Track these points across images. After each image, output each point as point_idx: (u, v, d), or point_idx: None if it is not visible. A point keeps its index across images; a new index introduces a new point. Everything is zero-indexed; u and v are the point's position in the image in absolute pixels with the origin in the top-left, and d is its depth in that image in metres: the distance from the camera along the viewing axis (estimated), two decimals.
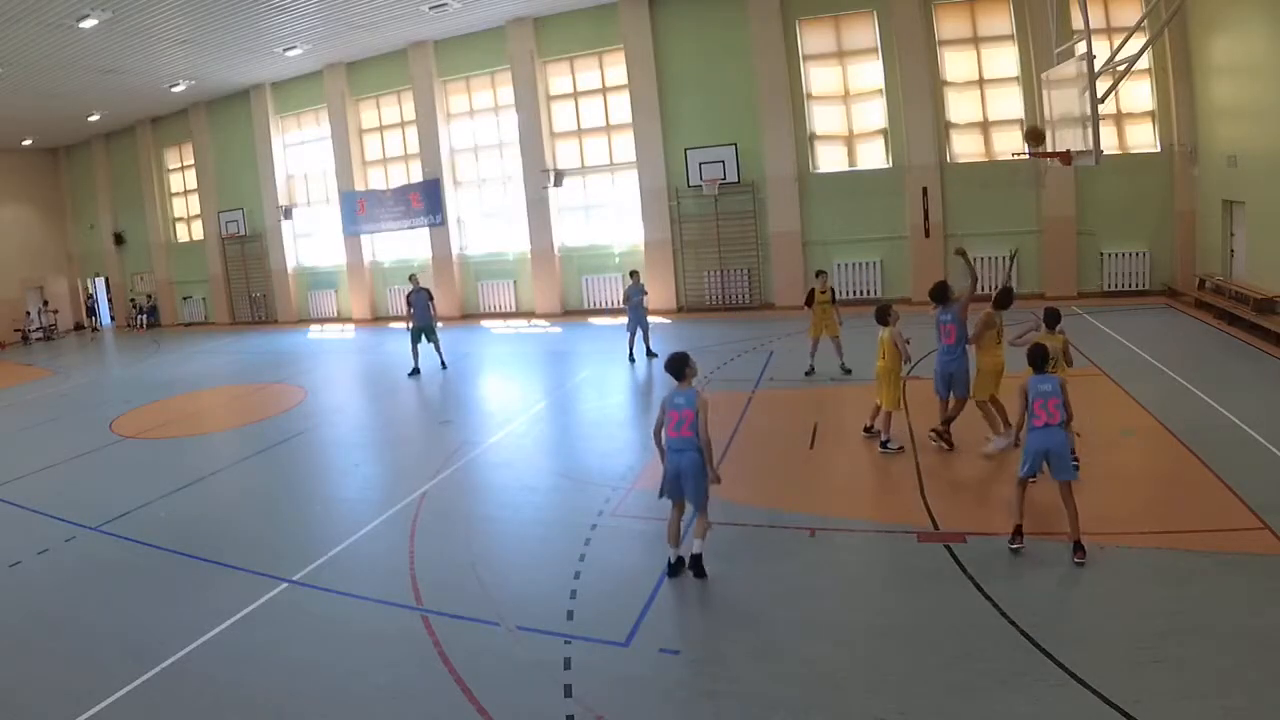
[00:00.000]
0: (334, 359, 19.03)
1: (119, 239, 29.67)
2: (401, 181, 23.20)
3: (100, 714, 4.89)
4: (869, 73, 18.22)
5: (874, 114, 18.32)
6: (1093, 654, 4.64)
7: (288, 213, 25.31)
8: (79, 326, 30.85)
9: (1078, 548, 5.81)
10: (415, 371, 14.90)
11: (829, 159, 18.86)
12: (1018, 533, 6.06)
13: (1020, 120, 17.21)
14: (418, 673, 5.13)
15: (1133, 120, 16.79)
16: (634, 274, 15.04)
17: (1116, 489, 7.16)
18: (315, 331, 23.58)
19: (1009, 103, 17.39)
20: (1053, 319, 7.64)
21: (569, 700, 4.69)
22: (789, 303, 18.98)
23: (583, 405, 12.27)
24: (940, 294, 8.45)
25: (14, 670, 5.57)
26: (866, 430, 9.05)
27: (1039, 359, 6.25)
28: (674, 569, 6.11)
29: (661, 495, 6.20)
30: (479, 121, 22.23)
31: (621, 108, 20.16)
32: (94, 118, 25.40)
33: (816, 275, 12.50)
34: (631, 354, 14.38)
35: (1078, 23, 11.93)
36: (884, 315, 8.58)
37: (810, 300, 11.89)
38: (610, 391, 12.94)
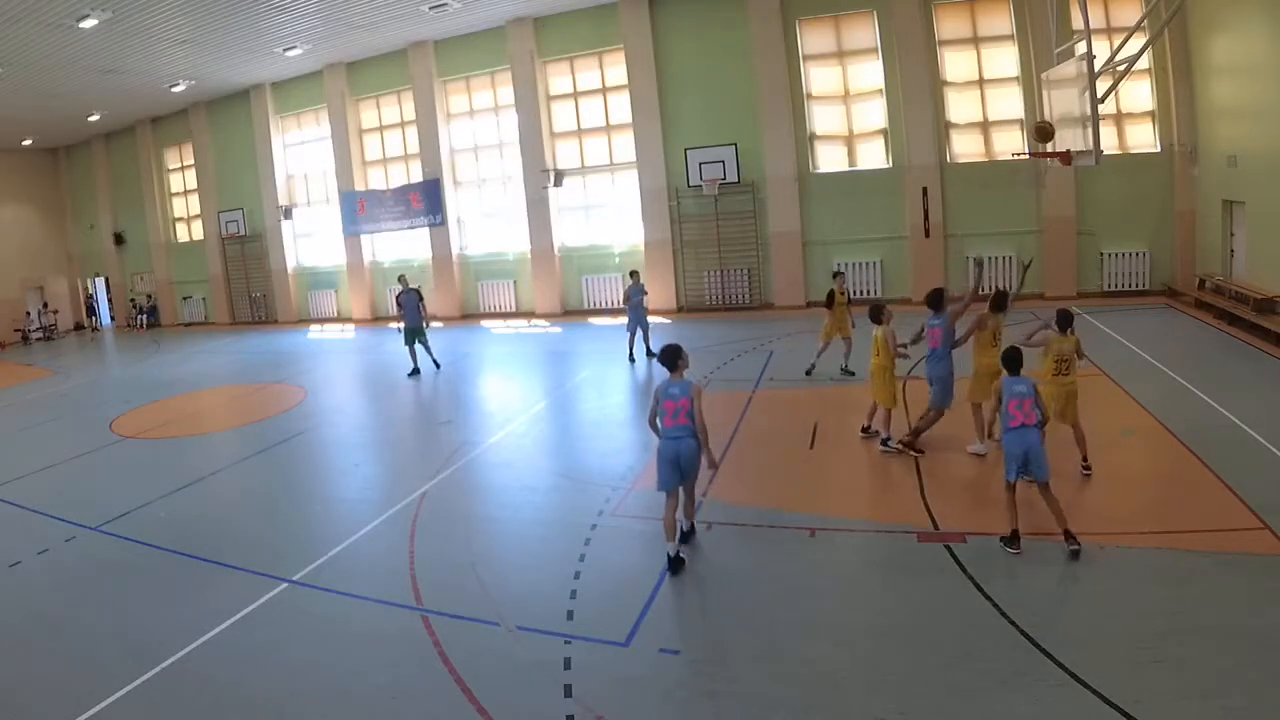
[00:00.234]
0: (334, 359, 19.04)
1: (119, 239, 29.68)
2: (401, 181, 23.20)
3: (100, 714, 4.89)
4: (869, 73, 18.22)
5: (874, 114, 18.33)
6: (1093, 654, 4.64)
7: (288, 213, 25.32)
8: (79, 326, 30.86)
9: (1069, 536, 5.92)
10: (415, 371, 14.90)
11: (829, 159, 18.86)
12: (1015, 537, 6.07)
13: (1020, 120, 17.23)
14: (418, 673, 5.13)
15: (1133, 120, 16.80)
16: (634, 274, 15.04)
17: (1116, 489, 7.16)
18: (315, 331, 23.58)
19: (1009, 103, 17.39)
20: (1065, 321, 7.56)
21: (569, 700, 4.70)
22: (789, 303, 19.01)
23: (583, 405, 12.27)
24: (934, 301, 8.45)
25: (14, 670, 5.57)
26: (864, 431, 9.08)
27: (1013, 361, 6.36)
28: (673, 564, 6.18)
29: (661, 488, 6.30)
30: (479, 121, 22.23)
31: (621, 108, 20.16)
32: (94, 118, 25.41)
33: (834, 276, 12.36)
34: (631, 354, 14.39)
35: (1078, 23, 11.93)
36: (877, 314, 8.69)
37: (831, 301, 11.63)
38: (610, 391, 12.94)
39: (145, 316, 28.96)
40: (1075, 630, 4.94)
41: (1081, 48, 10.45)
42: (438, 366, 15.08)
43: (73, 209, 31.06)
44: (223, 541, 7.61)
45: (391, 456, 10.84)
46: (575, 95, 20.87)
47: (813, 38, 18.51)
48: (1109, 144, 15.56)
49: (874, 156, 18.48)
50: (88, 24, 15.77)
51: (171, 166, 28.44)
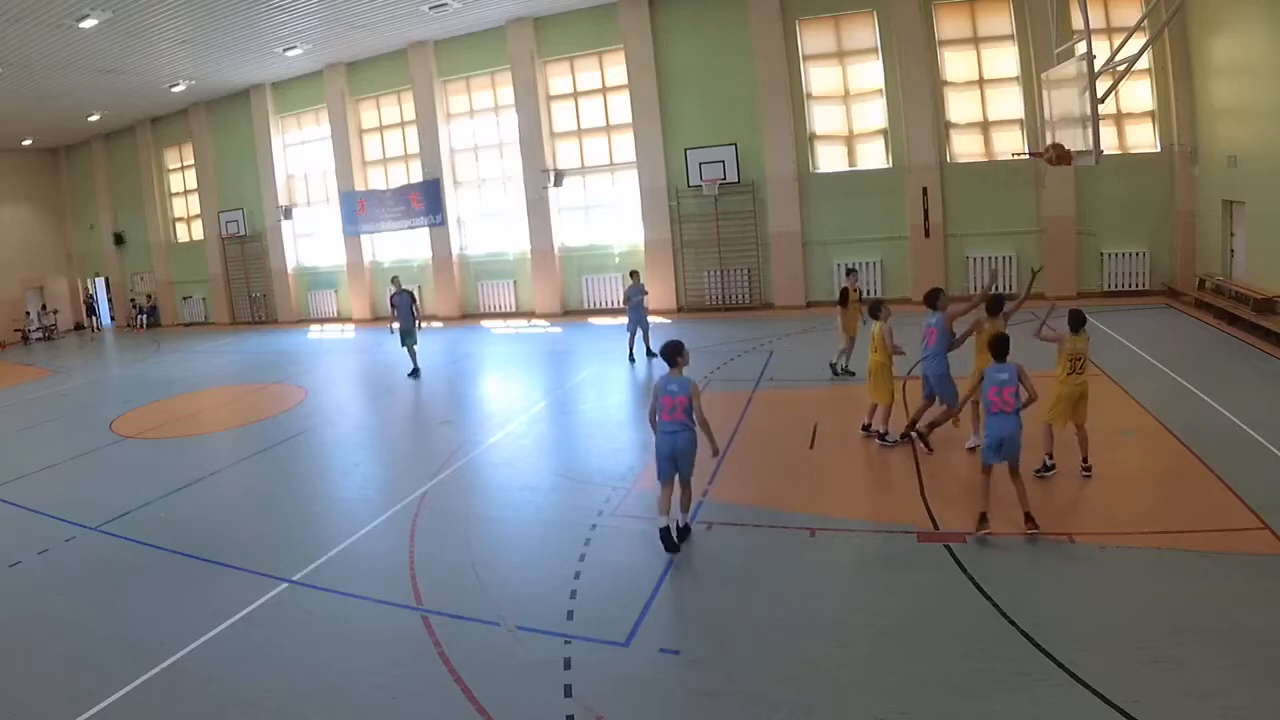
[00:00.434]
0: (334, 359, 19.03)
1: (119, 239, 29.69)
2: (401, 181, 23.21)
3: (100, 714, 4.89)
4: (869, 73, 18.22)
5: (874, 114, 18.33)
6: (1093, 654, 4.64)
7: (288, 213, 25.33)
8: (79, 326, 30.85)
9: (1029, 519, 6.20)
10: (414, 372, 14.89)
11: (829, 159, 18.87)
12: (984, 518, 6.30)
13: (1020, 120, 17.24)
14: (418, 673, 5.13)
15: (1133, 120, 16.80)
16: (634, 274, 15.05)
17: (1116, 489, 7.16)
18: (315, 331, 23.58)
19: (1009, 103, 17.39)
20: (1078, 322, 7.51)
21: (569, 700, 4.69)
22: (789, 303, 19.02)
23: (583, 405, 12.26)
24: (931, 299, 8.46)
25: (14, 670, 5.57)
26: (864, 429, 9.10)
27: (999, 348, 6.51)
28: (665, 537, 6.47)
29: (660, 478, 6.54)
30: (479, 121, 22.24)
31: (621, 108, 20.17)
32: (94, 118, 25.42)
33: (848, 274, 12.33)
34: (631, 354, 14.39)
35: (1078, 23, 11.92)
36: (875, 310, 8.82)
37: (845, 300, 11.63)
38: (610, 391, 12.94)
39: (145, 316, 28.97)
40: (1075, 630, 4.94)
41: (1081, 48, 10.45)
42: (416, 374, 14.77)
43: (73, 209, 31.07)
44: (222, 541, 7.60)
45: (391, 456, 10.84)
46: (575, 95, 20.88)
47: (813, 38, 18.51)
48: (1109, 144, 15.57)
49: (874, 156, 18.48)
50: (88, 24, 15.78)
51: (171, 166, 28.45)
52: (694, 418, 6.45)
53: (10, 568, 7.40)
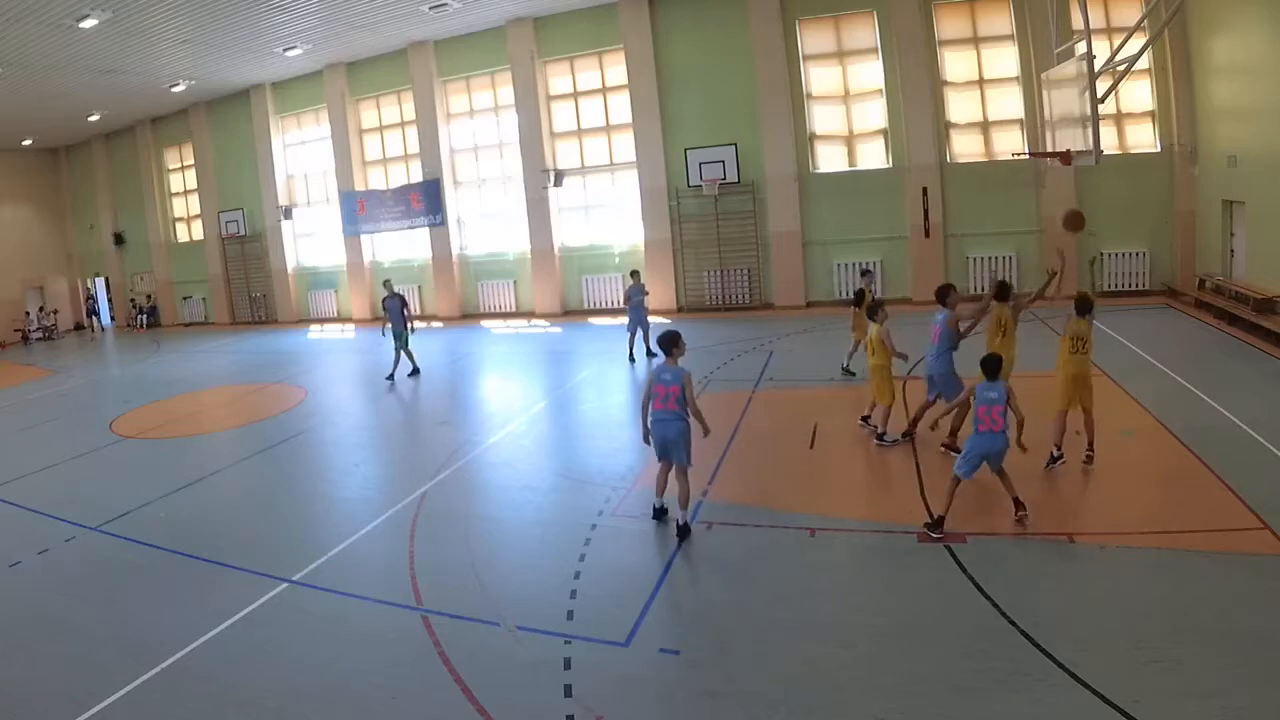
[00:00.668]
0: (334, 359, 19.03)
1: (119, 239, 29.68)
2: (401, 181, 23.21)
3: (100, 714, 4.89)
4: (869, 73, 18.22)
5: (874, 114, 18.33)
6: (1093, 654, 4.64)
7: (288, 213, 25.32)
8: (79, 326, 30.84)
9: (1018, 504, 6.42)
10: (415, 371, 14.88)
11: (829, 159, 18.86)
12: (939, 523, 6.39)
13: (1020, 120, 17.24)
14: (417, 673, 5.13)
15: (1133, 120, 16.80)
16: (635, 274, 15.05)
17: (1116, 489, 7.17)
18: (315, 331, 23.58)
19: (1009, 103, 17.40)
20: (1085, 307, 7.62)
21: (569, 700, 4.69)
22: (789, 303, 19.02)
23: (583, 405, 12.27)
24: (940, 295, 8.48)
25: (14, 670, 5.57)
26: (863, 420, 9.19)
27: (990, 367, 6.56)
28: (658, 513, 7.06)
29: (659, 458, 6.98)
30: (479, 121, 22.24)
31: (621, 108, 20.16)
32: (94, 118, 25.41)
33: (862, 274, 12.28)
34: (631, 354, 14.39)
35: (1078, 23, 11.93)
36: (873, 312, 8.84)
37: (860, 300, 11.51)
38: (610, 391, 12.94)
39: (145, 316, 28.97)
40: (1075, 630, 4.94)
41: (1081, 48, 10.46)
42: (391, 379, 14.48)
43: (73, 209, 31.06)
44: (222, 541, 7.60)
45: (391, 456, 10.84)
46: (575, 95, 20.87)
47: (813, 38, 18.51)
48: (1109, 144, 15.57)
49: (874, 156, 18.48)
50: (88, 24, 15.77)
51: (171, 166, 28.45)
52: (687, 408, 6.70)
53: (10, 568, 7.40)
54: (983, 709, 4.33)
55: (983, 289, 17.23)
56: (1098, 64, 10.31)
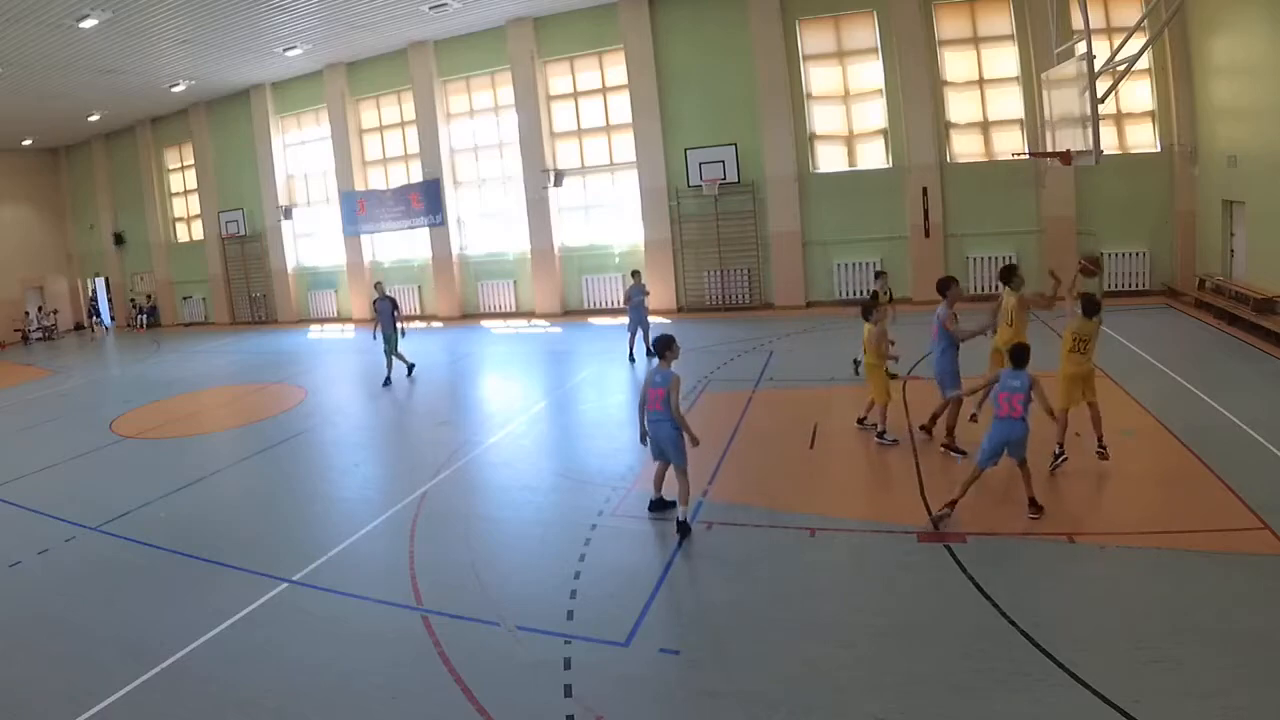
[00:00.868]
0: (334, 359, 19.03)
1: (119, 239, 29.68)
2: (401, 181, 23.21)
3: (100, 714, 4.89)
4: (869, 73, 18.22)
5: (874, 114, 18.33)
6: (1093, 654, 4.64)
7: (288, 213, 25.32)
8: (79, 326, 30.83)
9: (1033, 504, 6.50)
10: (411, 368, 14.78)
11: (829, 159, 18.86)
12: (951, 505, 6.56)
13: (1020, 120, 17.23)
14: (417, 673, 5.13)
15: (1133, 120, 16.80)
16: (636, 274, 15.05)
17: (1117, 489, 7.17)
18: (315, 331, 23.58)
19: (1009, 103, 17.39)
20: (1092, 308, 7.60)
21: (569, 700, 4.69)
22: (789, 303, 19.02)
23: (583, 405, 12.27)
24: (940, 287, 8.49)
25: (14, 670, 5.57)
26: (860, 422, 9.21)
27: (1017, 356, 6.64)
28: (655, 505, 7.26)
29: (654, 458, 7.24)
30: (479, 121, 22.23)
31: (621, 108, 20.16)
32: (94, 118, 25.41)
33: (877, 276, 12.25)
34: (632, 354, 14.39)
35: (1078, 23, 11.92)
36: (868, 313, 8.89)
37: (875, 300, 11.50)
38: (610, 391, 12.94)
39: (145, 316, 28.97)
40: (1075, 630, 4.94)
41: (1081, 48, 10.46)
42: (388, 383, 14.35)
43: (73, 209, 31.06)
44: (222, 541, 7.61)
45: (391, 456, 10.84)
46: (575, 95, 20.87)
47: (813, 38, 18.51)
48: (1109, 144, 15.57)
49: (874, 156, 18.48)
50: (88, 24, 15.77)
51: (171, 166, 28.45)
52: (671, 409, 6.85)
53: (10, 568, 7.40)
54: (983, 709, 4.33)
55: (983, 288, 17.28)
56: (1098, 64, 10.30)
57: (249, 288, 26.80)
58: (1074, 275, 8.36)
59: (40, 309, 29.18)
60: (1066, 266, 16.58)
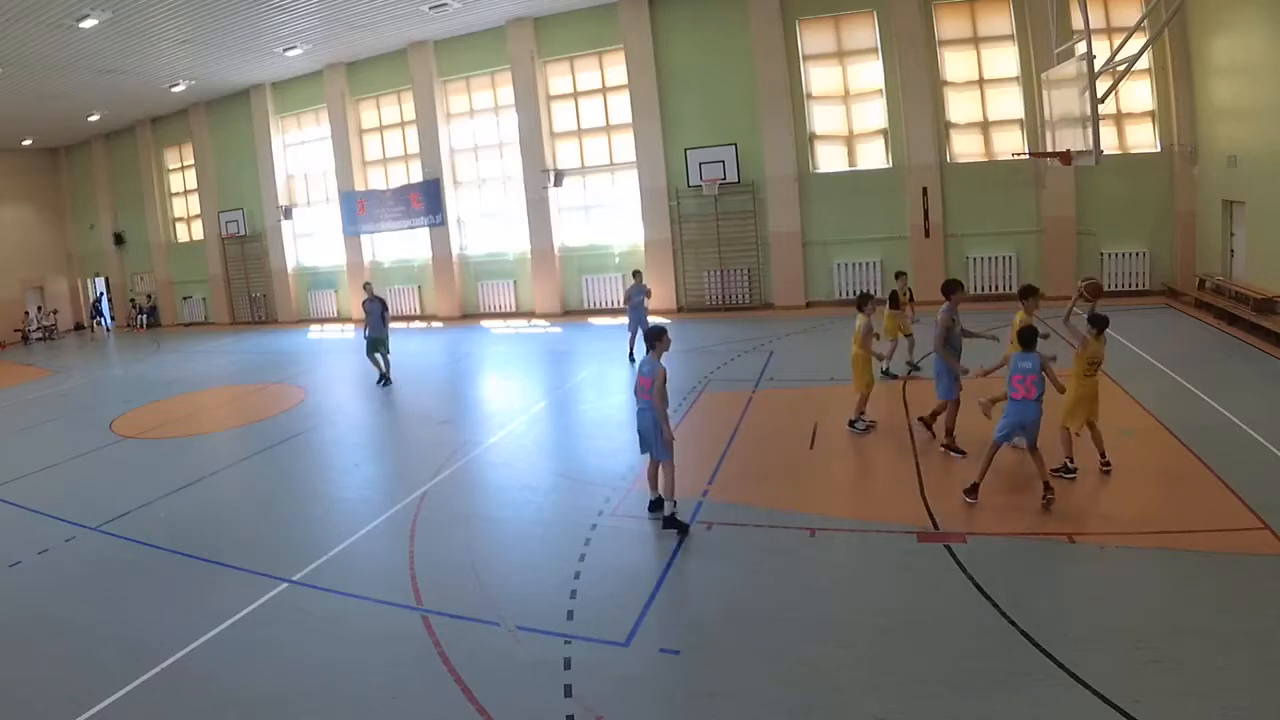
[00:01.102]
0: (334, 359, 19.02)
1: (119, 239, 29.68)
2: (401, 181, 23.21)
3: (100, 714, 4.89)
4: (869, 73, 18.22)
5: (874, 114, 18.33)
6: (1093, 654, 4.64)
7: (288, 213, 25.32)
8: (79, 326, 30.83)
9: (1047, 487, 6.66)
10: (382, 380, 14.21)
11: (829, 159, 18.86)
12: (974, 489, 6.82)
13: (1020, 120, 17.23)
14: (417, 672, 5.13)
15: (1133, 120, 16.80)
16: (636, 274, 15.05)
17: (1117, 489, 7.17)
18: (315, 332, 23.58)
19: (1009, 103, 17.39)
20: (1103, 324, 7.42)
21: (569, 700, 4.69)
22: (789, 303, 19.02)
23: (583, 405, 12.27)
24: (944, 290, 8.50)
25: (14, 670, 5.57)
26: (851, 424, 9.24)
27: (1026, 338, 6.79)
28: (654, 505, 7.21)
29: (641, 450, 7.30)
30: (479, 121, 22.23)
31: (621, 108, 20.16)
32: (94, 118, 25.41)
33: (896, 276, 12.23)
34: (632, 354, 14.38)
35: (1078, 23, 11.93)
36: (862, 305, 9.13)
37: (895, 302, 11.58)
38: (610, 391, 12.93)
39: (145, 316, 28.97)
40: (1075, 630, 4.94)
41: (1081, 48, 10.46)
42: (388, 382, 14.20)
43: (73, 209, 31.06)
44: (222, 541, 7.61)
45: (391, 456, 10.84)
46: (575, 95, 20.87)
47: (813, 38, 18.51)
48: (1109, 144, 15.57)
49: (874, 156, 18.48)
50: (88, 24, 15.77)
51: (171, 166, 28.45)
52: (655, 399, 6.93)
53: (10, 568, 7.40)
54: (983, 709, 4.33)
55: (983, 289, 17.28)
56: (1098, 64, 10.31)
57: (249, 288, 26.80)
58: (1073, 299, 8.26)
59: (40, 309, 29.17)
60: (1065, 264, 16.83)
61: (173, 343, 24.21)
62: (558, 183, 20.80)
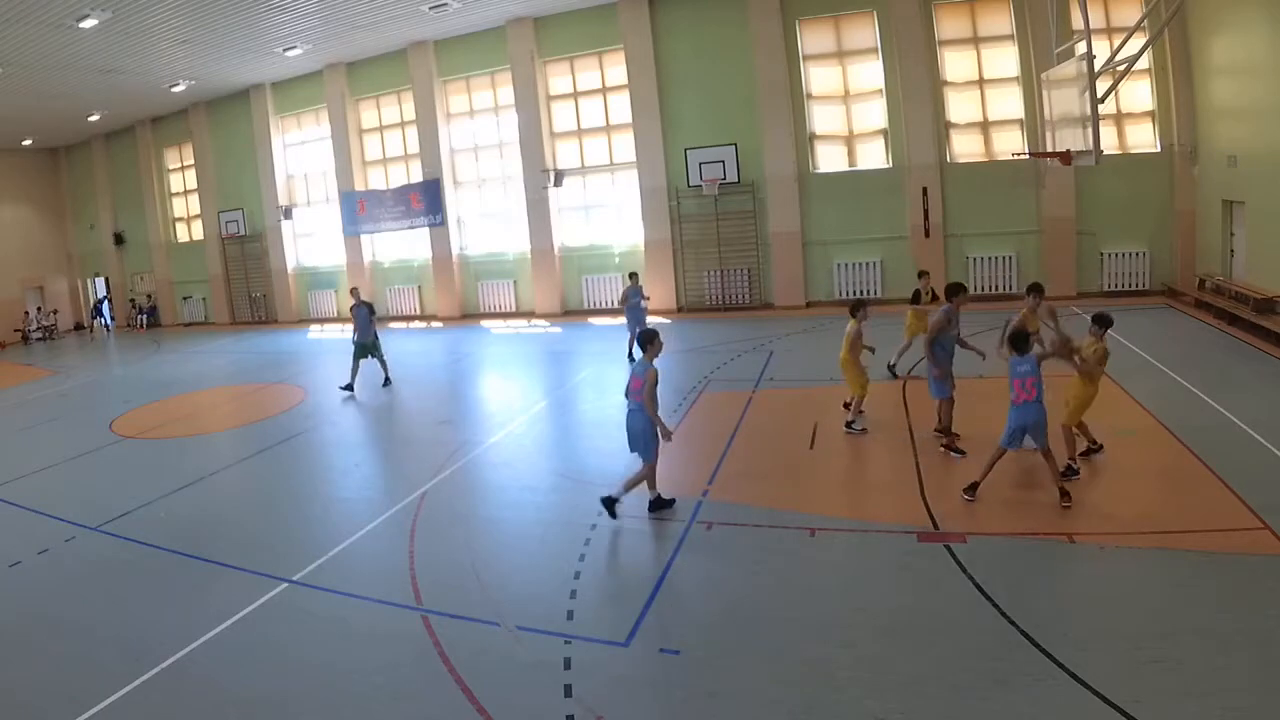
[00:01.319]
0: (334, 359, 18.94)
1: (119, 239, 29.68)
2: (401, 181, 23.20)
3: (100, 714, 4.89)
4: (869, 73, 18.22)
5: (874, 114, 18.32)
6: (1093, 654, 4.64)
7: (288, 213, 25.32)
8: (79, 326, 30.82)
9: (1063, 494, 6.68)
10: (349, 387, 13.89)
11: (829, 159, 18.86)
12: (973, 488, 6.91)
13: (1020, 120, 17.23)
14: (418, 672, 5.13)
15: (1133, 120, 16.80)
16: (633, 276, 15.04)
17: (1117, 489, 7.17)
18: (315, 332, 23.58)
19: (1009, 103, 17.39)
20: (1108, 324, 7.44)
21: (569, 700, 4.69)
22: (789, 303, 19.02)
23: (583, 405, 12.27)
24: (947, 292, 8.51)
25: (14, 670, 5.57)
26: (847, 426, 9.24)
27: (1019, 342, 6.79)
28: (654, 505, 7.29)
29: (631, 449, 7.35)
30: (479, 121, 22.23)
31: (621, 108, 20.16)
32: (94, 118, 25.41)
33: (919, 275, 12.20)
34: (631, 354, 14.38)
35: (1078, 23, 11.93)
36: (855, 310, 9.20)
37: (917, 299, 11.48)
38: (610, 391, 12.90)
39: (145, 316, 28.96)
40: (1075, 630, 4.94)
41: (1081, 48, 10.46)
42: (388, 382, 14.16)
43: (73, 209, 31.06)
44: (222, 541, 7.61)
45: (391, 456, 10.83)
46: (575, 95, 20.87)
47: (813, 38, 18.51)
48: (1109, 144, 15.57)
49: (874, 156, 18.48)
50: (88, 24, 15.77)
51: (171, 166, 28.44)
52: (645, 401, 7.00)
53: (10, 568, 7.40)
54: (983, 709, 4.34)
55: (983, 289, 17.27)
56: (1098, 64, 10.31)
57: (249, 288, 26.80)
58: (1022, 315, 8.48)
59: (40, 309, 29.17)
60: (1065, 264, 16.81)
61: (172, 343, 24.20)
62: (558, 183, 20.80)
